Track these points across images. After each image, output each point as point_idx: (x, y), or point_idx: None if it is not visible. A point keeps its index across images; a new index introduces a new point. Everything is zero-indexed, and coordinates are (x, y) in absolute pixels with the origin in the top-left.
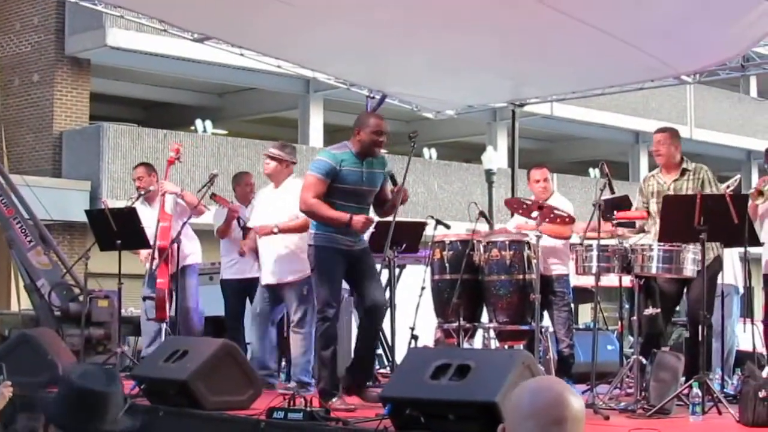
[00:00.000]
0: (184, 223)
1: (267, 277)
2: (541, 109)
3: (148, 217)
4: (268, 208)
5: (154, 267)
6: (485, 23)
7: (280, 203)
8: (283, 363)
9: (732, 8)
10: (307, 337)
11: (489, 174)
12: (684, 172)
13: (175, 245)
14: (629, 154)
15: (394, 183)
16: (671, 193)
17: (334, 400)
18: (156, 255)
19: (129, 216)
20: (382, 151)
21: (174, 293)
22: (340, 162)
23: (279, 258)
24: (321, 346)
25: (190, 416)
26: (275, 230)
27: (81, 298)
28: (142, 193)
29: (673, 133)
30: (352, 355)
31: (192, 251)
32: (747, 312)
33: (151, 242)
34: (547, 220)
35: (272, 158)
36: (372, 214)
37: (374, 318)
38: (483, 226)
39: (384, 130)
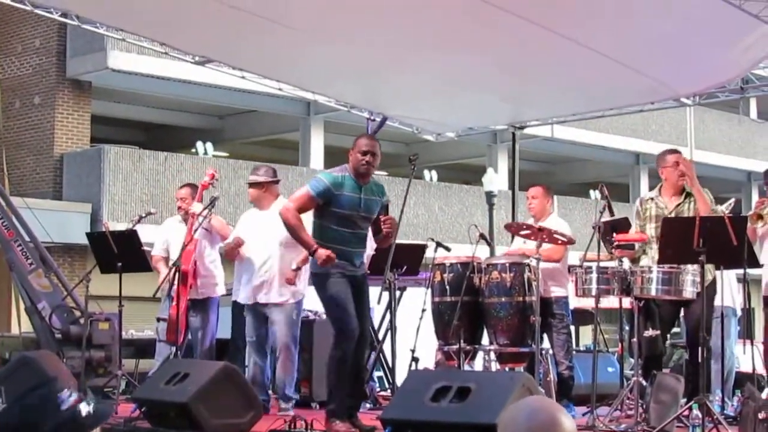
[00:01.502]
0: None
1: (263, 297)
2: (541, 131)
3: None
4: (256, 231)
5: (163, 292)
6: (485, 46)
7: (270, 228)
8: None
9: (731, 31)
10: (296, 357)
11: (489, 196)
12: (687, 195)
13: (198, 271)
14: (630, 175)
15: (386, 212)
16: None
17: (338, 422)
18: (175, 278)
19: (130, 238)
20: (383, 173)
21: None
22: (338, 185)
23: (277, 278)
24: (339, 369)
25: None
26: (294, 267)
27: (82, 320)
28: (143, 215)
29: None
30: None
31: (217, 282)
32: (747, 333)
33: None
34: (545, 239)
35: (250, 185)
36: (369, 240)
37: (361, 348)
38: (484, 249)
39: (372, 150)
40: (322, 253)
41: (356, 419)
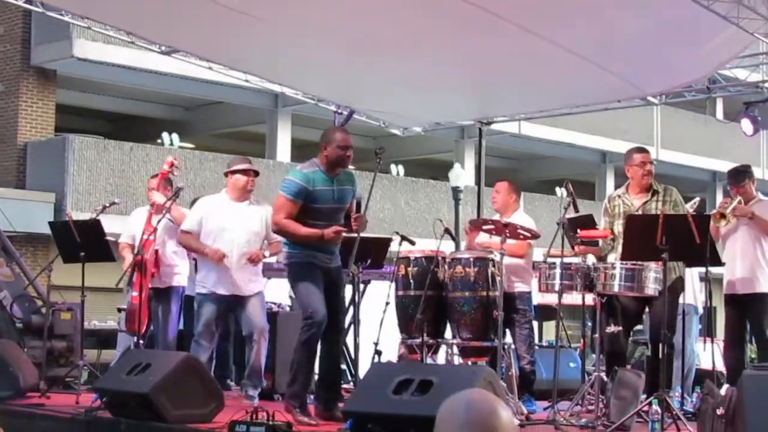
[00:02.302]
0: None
1: (232, 287)
2: (508, 127)
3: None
4: (235, 222)
5: (124, 281)
6: (454, 42)
7: (249, 219)
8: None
9: (699, 31)
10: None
11: (456, 191)
12: (654, 193)
13: (160, 260)
14: (596, 173)
15: (357, 209)
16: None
17: (299, 411)
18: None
19: (93, 228)
20: (350, 167)
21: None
22: (311, 182)
23: (248, 270)
24: (305, 352)
25: (152, 429)
26: (267, 255)
27: (44, 310)
28: (107, 205)
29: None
30: (318, 375)
31: (180, 271)
32: (708, 331)
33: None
34: (509, 235)
35: (242, 172)
36: None
37: (337, 341)
38: (449, 243)
39: (350, 144)
40: (329, 231)
41: (336, 410)
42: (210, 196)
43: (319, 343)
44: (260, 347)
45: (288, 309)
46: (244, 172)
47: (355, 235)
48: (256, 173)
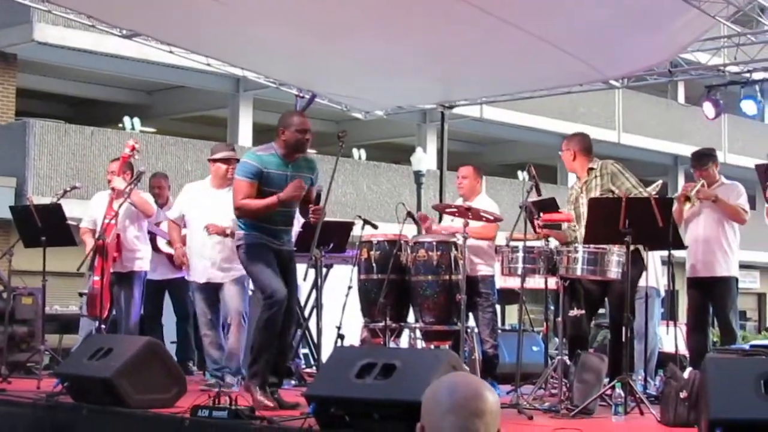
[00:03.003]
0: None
1: (213, 274)
2: (470, 111)
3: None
4: (215, 210)
5: (86, 266)
6: (416, 25)
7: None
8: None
9: (660, 15)
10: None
11: (418, 175)
12: (590, 171)
13: (122, 245)
14: (557, 157)
15: (318, 200)
16: (584, 195)
17: (260, 391)
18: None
19: (54, 212)
20: (312, 151)
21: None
22: (265, 164)
23: (224, 256)
24: (266, 331)
25: (114, 414)
26: (228, 232)
27: (4, 295)
28: (68, 189)
29: (579, 140)
30: None
31: (142, 256)
32: (670, 315)
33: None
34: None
35: (223, 161)
36: (298, 218)
37: (288, 325)
38: (412, 227)
39: (308, 128)
40: (287, 191)
41: (278, 396)
42: (195, 183)
43: None
44: (235, 331)
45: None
46: (224, 160)
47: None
48: (238, 161)
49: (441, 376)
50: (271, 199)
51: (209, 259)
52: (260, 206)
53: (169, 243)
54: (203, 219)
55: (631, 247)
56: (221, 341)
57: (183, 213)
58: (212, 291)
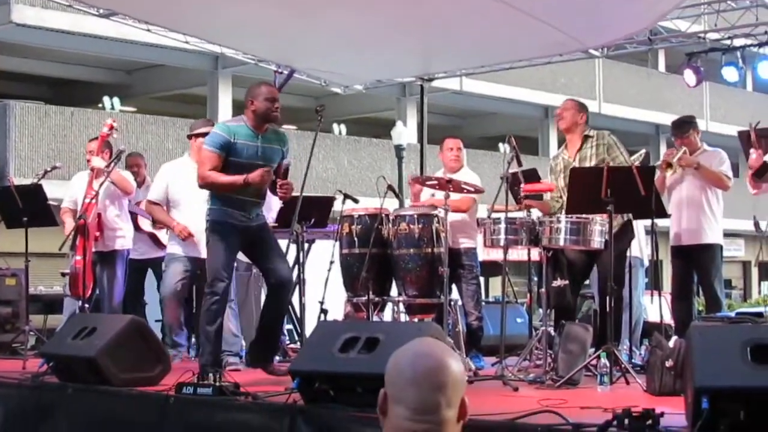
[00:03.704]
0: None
1: (195, 251)
2: (450, 84)
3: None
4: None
5: (67, 245)
6: None
7: None
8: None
9: None
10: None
11: (398, 149)
12: (586, 139)
13: (103, 224)
14: (538, 129)
15: (285, 176)
16: (576, 163)
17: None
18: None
19: (35, 192)
20: (292, 127)
21: (94, 273)
22: (233, 135)
23: None
24: (207, 321)
25: (99, 393)
26: None
27: None
28: (49, 169)
29: (580, 106)
30: (256, 329)
31: (123, 235)
32: (654, 284)
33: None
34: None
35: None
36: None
37: (280, 294)
38: (393, 201)
39: (276, 97)
40: (253, 174)
41: (272, 366)
42: (172, 161)
43: (266, 296)
44: (229, 314)
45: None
46: (205, 134)
47: (297, 194)
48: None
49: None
50: (237, 179)
51: (198, 235)
52: (224, 183)
53: (154, 223)
54: (189, 195)
55: (624, 218)
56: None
57: (166, 193)
58: (195, 267)
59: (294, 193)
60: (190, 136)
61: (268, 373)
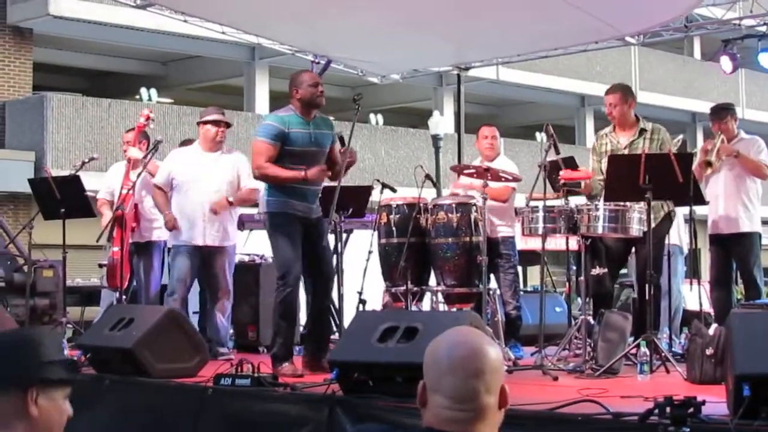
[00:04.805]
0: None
1: (206, 238)
2: (486, 73)
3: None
4: (205, 172)
5: (104, 237)
6: None
7: (219, 169)
8: None
9: None
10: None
11: (436, 139)
12: (641, 132)
13: (139, 215)
14: (575, 117)
15: (342, 144)
16: (626, 152)
17: (285, 365)
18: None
19: (73, 183)
20: (330, 117)
21: (132, 264)
22: (287, 124)
23: (222, 221)
24: (280, 313)
25: (137, 384)
26: (230, 199)
27: (25, 268)
28: (86, 161)
29: (625, 91)
30: (304, 327)
31: (160, 225)
32: (693, 272)
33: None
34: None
35: (213, 123)
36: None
37: (325, 290)
38: (431, 191)
39: (319, 81)
40: (313, 171)
41: (324, 360)
42: (182, 147)
43: (306, 294)
44: (223, 308)
45: (270, 260)
46: (214, 122)
47: (335, 184)
48: (228, 124)
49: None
50: (298, 174)
51: (205, 223)
52: (284, 177)
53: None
54: (195, 182)
55: (666, 208)
56: (187, 308)
57: (171, 178)
58: (199, 256)
59: (332, 183)
60: (199, 123)
61: (316, 371)
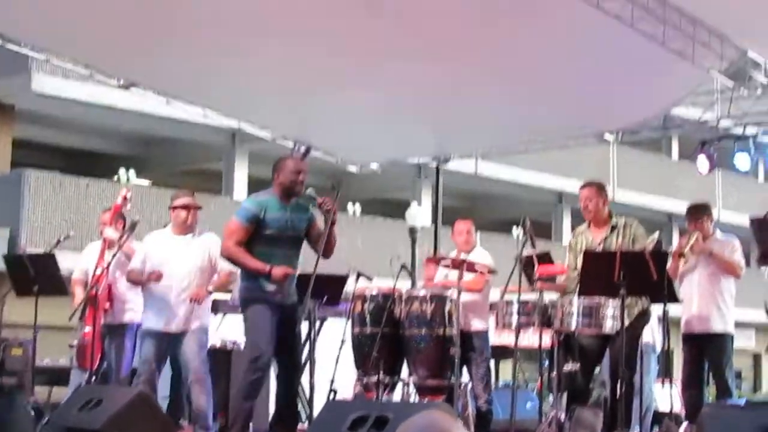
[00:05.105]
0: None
1: (176, 322)
2: (465, 167)
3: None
4: (176, 256)
5: (76, 317)
6: (409, 78)
7: (190, 253)
8: None
9: (654, 67)
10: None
11: (413, 230)
12: (613, 228)
13: (113, 296)
14: (552, 214)
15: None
16: (599, 249)
17: None
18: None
19: (47, 261)
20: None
21: (103, 344)
22: (264, 208)
23: (189, 305)
24: (245, 396)
25: None
26: (210, 289)
27: None
28: (62, 239)
29: (600, 187)
30: (272, 417)
31: (133, 308)
32: (665, 372)
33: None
34: (464, 270)
35: (183, 207)
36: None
37: (294, 377)
38: (406, 282)
39: (302, 169)
40: (278, 270)
41: None
42: (156, 231)
43: (275, 380)
44: (200, 391)
45: (242, 346)
46: (184, 206)
47: (310, 272)
48: (198, 207)
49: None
50: (262, 267)
51: (173, 307)
52: (249, 266)
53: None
54: (166, 266)
55: (643, 305)
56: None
57: (144, 264)
58: (168, 341)
59: (307, 271)
60: (170, 207)
61: None
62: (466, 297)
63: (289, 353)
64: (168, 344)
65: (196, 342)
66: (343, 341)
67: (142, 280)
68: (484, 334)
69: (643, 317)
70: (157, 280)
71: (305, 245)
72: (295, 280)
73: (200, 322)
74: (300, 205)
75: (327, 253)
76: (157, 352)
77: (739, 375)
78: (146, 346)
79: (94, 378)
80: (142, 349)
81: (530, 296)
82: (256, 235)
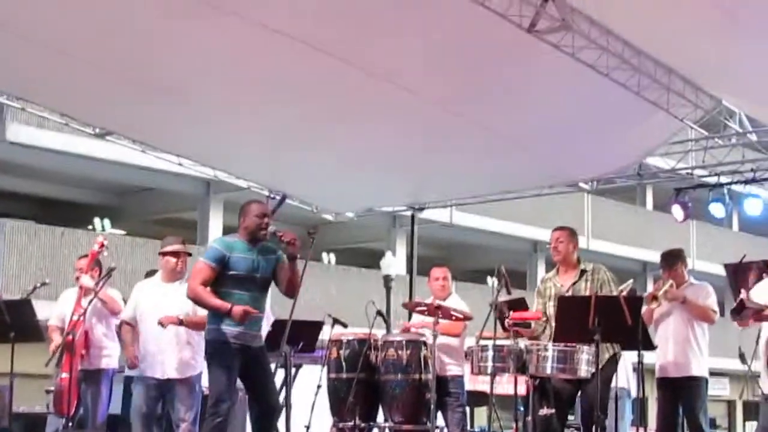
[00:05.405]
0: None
1: (165, 370)
2: (440, 216)
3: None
4: (163, 304)
5: (53, 362)
6: (386, 126)
7: (176, 300)
8: None
9: (629, 117)
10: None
11: (387, 279)
12: (582, 273)
13: (89, 342)
14: (527, 263)
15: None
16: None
17: None
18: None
19: (23, 307)
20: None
21: (80, 390)
22: (230, 249)
23: (181, 352)
24: None
25: None
26: (181, 317)
27: None
28: (38, 285)
29: (571, 232)
30: None
31: (110, 354)
32: (640, 419)
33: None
34: (440, 316)
35: (173, 254)
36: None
37: (269, 420)
38: (381, 329)
39: (266, 212)
40: (237, 309)
41: None
42: (145, 280)
43: (252, 422)
44: None
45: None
46: (173, 253)
47: (286, 318)
48: (188, 254)
49: None
50: (224, 306)
51: (163, 355)
52: (210, 304)
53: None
54: (155, 313)
55: (612, 349)
56: None
57: (135, 312)
58: (160, 388)
59: (282, 318)
60: (160, 253)
61: None
62: (441, 342)
63: (263, 395)
64: (158, 392)
65: (187, 390)
66: (319, 386)
67: (128, 352)
68: (459, 379)
69: (613, 362)
70: (132, 367)
71: (278, 292)
72: (261, 322)
73: (193, 369)
74: (267, 247)
75: (290, 290)
76: (150, 399)
77: (713, 423)
78: (135, 395)
79: (70, 424)
80: (132, 398)
81: (505, 342)
82: (223, 276)
